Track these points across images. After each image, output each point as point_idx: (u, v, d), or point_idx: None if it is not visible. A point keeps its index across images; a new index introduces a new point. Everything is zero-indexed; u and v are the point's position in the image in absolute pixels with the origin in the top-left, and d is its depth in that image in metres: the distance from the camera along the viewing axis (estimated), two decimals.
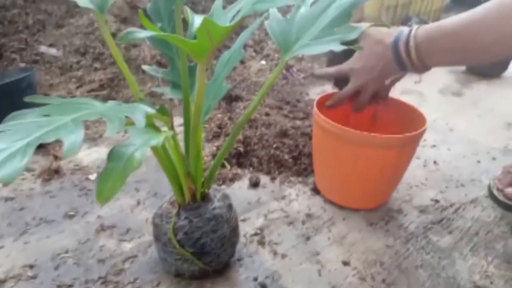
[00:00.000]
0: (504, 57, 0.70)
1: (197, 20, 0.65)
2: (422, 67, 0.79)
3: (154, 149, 0.66)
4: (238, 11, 0.56)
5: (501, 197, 1.05)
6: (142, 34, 0.46)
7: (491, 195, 1.08)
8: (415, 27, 0.78)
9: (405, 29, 0.81)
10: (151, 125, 0.57)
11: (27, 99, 0.52)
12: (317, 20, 0.65)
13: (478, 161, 1.27)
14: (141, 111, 0.50)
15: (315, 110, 0.96)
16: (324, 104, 1.01)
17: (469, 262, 0.87)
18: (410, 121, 0.98)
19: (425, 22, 2.73)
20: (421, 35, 0.77)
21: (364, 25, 0.86)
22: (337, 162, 0.97)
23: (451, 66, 0.76)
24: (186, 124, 0.73)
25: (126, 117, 0.51)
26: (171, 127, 0.62)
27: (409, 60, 0.78)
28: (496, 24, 0.65)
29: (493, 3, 0.68)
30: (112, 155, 0.47)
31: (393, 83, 0.96)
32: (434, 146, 1.36)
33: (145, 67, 0.74)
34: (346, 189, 1.01)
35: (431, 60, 0.77)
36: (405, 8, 2.69)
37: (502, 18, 0.65)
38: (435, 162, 1.26)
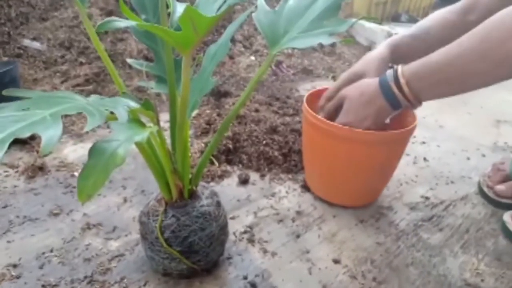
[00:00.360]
0: (508, 78, 0.69)
1: (179, 8, 0.63)
2: (415, 102, 0.78)
3: (139, 145, 0.64)
4: (224, 1, 0.54)
5: (491, 194, 1.05)
6: (122, 23, 0.44)
7: (481, 192, 1.08)
8: (398, 67, 0.78)
9: (387, 72, 0.81)
10: (135, 120, 0.55)
11: (6, 92, 0.50)
12: (306, 12, 0.64)
13: (468, 158, 1.27)
14: (123, 105, 0.48)
15: (304, 106, 0.94)
16: (313, 100, 1.00)
17: (460, 260, 0.87)
18: (400, 117, 0.97)
19: (415, 19, 2.74)
20: (408, 73, 0.76)
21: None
22: (327, 158, 0.96)
23: (450, 97, 0.75)
24: (172, 119, 0.71)
25: (111, 112, 0.49)
26: (157, 122, 0.60)
27: (404, 96, 0.78)
28: (495, 46, 0.63)
29: (484, 27, 0.66)
30: (93, 151, 0.45)
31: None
32: (424, 142, 1.35)
33: (129, 60, 0.72)
34: (336, 186, 1.00)
35: (425, 95, 0.77)
36: (394, 5, 2.69)
37: (502, 39, 0.63)
38: (425, 159, 1.25)
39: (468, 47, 0.67)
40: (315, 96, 1.01)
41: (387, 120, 0.91)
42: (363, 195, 1.01)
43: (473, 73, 0.68)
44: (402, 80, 0.77)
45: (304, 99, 0.97)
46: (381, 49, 0.95)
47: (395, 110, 0.82)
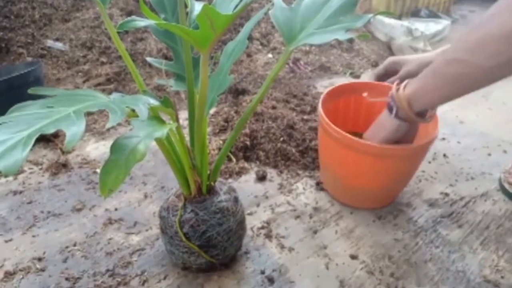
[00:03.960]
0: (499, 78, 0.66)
1: (197, 7, 0.64)
2: (408, 108, 0.76)
3: (159, 141, 0.65)
4: (241, 0, 0.55)
5: None
6: (143, 22, 0.45)
7: (502, 189, 1.06)
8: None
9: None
10: (155, 117, 0.57)
11: (31, 91, 0.52)
12: (322, 8, 0.64)
13: (489, 154, 1.25)
14: (144, 103, 0.49)
15: (324, 119, 0.91)
16: (328, 101, 1.00)
17: (479, 256, 0.86)
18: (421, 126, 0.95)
19: (435, 14, 2.69)
20: (410, 82, 0.76)
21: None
22: (347, 168, 0.94)
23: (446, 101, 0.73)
24: (191, 116, 0.72)
25: (132, 110, 0.50)
26: (176, 120, 0.62)
27: (398, 101, 0.77)
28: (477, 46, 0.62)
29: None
30: (115, 147, 0.47)
31: None
32: (444, 139, 1.34)
33: (149, 59, 0.73)
34: (355, 193, 0.99)
35: (418, 99, 0.75)
36: (414, 0, 2.65)
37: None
38: (444, 155, 1.24)
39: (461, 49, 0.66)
40: (329, 97, 1.01)
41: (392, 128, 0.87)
42: (382, 199, 1.00)
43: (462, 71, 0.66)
44: (403, 84, 0.77)
45: (319, 106, 0.95)
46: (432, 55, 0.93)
47: (390, 113, 0.80)
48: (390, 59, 0.94)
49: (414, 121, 0.79)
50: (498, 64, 0.60)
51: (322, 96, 0.98)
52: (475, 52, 0.62)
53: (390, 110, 0.79)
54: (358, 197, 0.99)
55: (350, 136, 0.86)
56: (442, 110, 1.50)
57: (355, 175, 0.94)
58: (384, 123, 0.82)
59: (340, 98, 1.07)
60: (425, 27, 2.30)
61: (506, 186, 1.05)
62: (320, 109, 0.94)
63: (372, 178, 0.92)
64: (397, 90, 0.77)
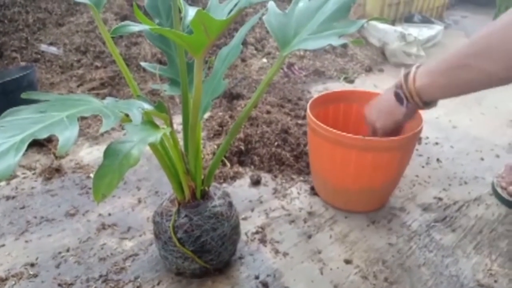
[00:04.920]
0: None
1: (191, 12, 0.64)
2: (417, 97, 0.76)
3: (153, 146, 0.65)
4: (235, 5, 0.55)
5: (505, 195, 1.04)
6: (137, 27, 0.45)
7: (495, 193, 1.07)
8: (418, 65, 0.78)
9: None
10: (149, 122, 0.57)
11: (24, 95, 0.52)
12: (316, 14, 0.65)
13: (482, 159, 1.26)
14: (138, 108, 0.49)
15: (310, 117, 0.94)
16: (317, 108, 1.00)
17: (473, 261, 0.86)
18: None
19: (428, 19, 2.71)
20: (420, 69, 0.76)
21: None
22: (330, 166, 0.95)
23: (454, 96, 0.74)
24: (185, 121, 0.72)
25: (126, 115, 0.50)
26: (170, 124, 0.62)
27: (406, 89, 0.77)
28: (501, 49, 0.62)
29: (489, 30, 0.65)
30: (108, 152, 0.47)
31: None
32: (437, 143, 1.35)
33: (143, 63, 0.73)
34: (346, 193, 0.99)
35: (427, 90, 0.75)
36: (407, 5, 2.67)
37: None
38: (438, 160, 1.25)
39: (475, 45, 0.66)
40: (318, 102, 1.03)
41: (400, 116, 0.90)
42: (372, 201, 1.00)
43: (476, 70, 0.67)
44: (411, 75, 0.76)
45: (308, 106, 0.96)
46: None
47: (400, 104, 0.80)
48: None
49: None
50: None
51: (310, 102, 1.00)
52: (491, 62, 0.63)
53: (400, 100, 0.79)
54: (349, 200, 0.99)
55: (336, 131, 0.87)
56: (435, 115, 1.51)
57: (343, 175, 0.94)
58: (393, 111, 0.82)
59: (329, 105, 1.09)
60: (418, 32, 2.32)
61: (499, 190, 1.05)
62: (308, 110, 0.95)
63: (360, 176, 0.93)
64: (406, 80, 0.77)
